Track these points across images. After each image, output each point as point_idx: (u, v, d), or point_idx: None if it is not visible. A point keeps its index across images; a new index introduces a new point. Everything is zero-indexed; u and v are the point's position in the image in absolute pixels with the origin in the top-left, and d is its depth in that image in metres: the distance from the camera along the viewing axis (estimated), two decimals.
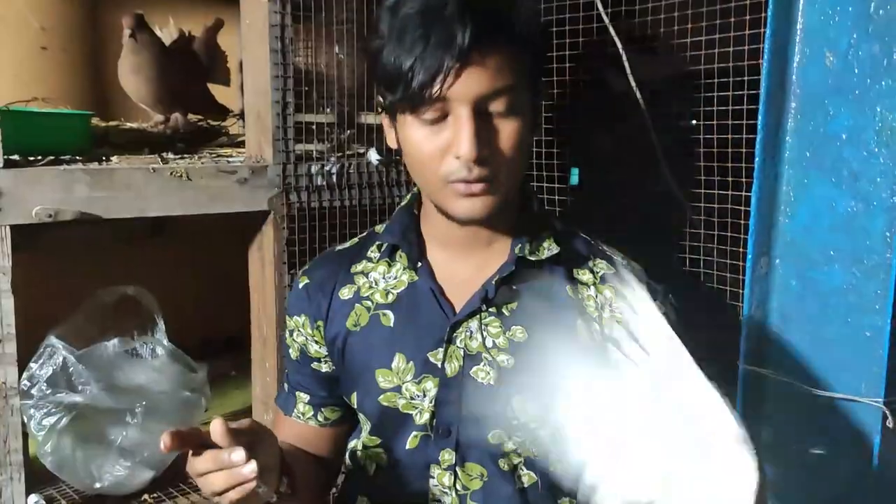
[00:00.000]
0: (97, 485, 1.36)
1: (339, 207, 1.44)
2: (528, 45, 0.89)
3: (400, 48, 0.85)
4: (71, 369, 1.36)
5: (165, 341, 1.48)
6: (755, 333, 0.99)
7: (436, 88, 0.83)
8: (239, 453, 0.74)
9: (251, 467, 0.73)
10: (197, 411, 1.47)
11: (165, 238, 1.94)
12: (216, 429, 0.72)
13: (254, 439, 0.77)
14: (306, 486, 0.97)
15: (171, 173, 1.26)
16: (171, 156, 1.42)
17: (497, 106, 0.86)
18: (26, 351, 1.18)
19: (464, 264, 0.98)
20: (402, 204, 1.05)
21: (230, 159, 1.43)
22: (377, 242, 1.03)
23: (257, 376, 1.51)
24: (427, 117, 0.87)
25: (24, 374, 1.33)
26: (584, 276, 0.98)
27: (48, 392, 1.33)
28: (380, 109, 0.98)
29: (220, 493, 0.76)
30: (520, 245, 0.95)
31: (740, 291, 1.09)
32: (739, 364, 1.00)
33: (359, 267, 1.03)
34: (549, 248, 0.96)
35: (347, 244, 1.08)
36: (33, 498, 1.32)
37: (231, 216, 1.35)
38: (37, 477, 1.37)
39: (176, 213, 1.28)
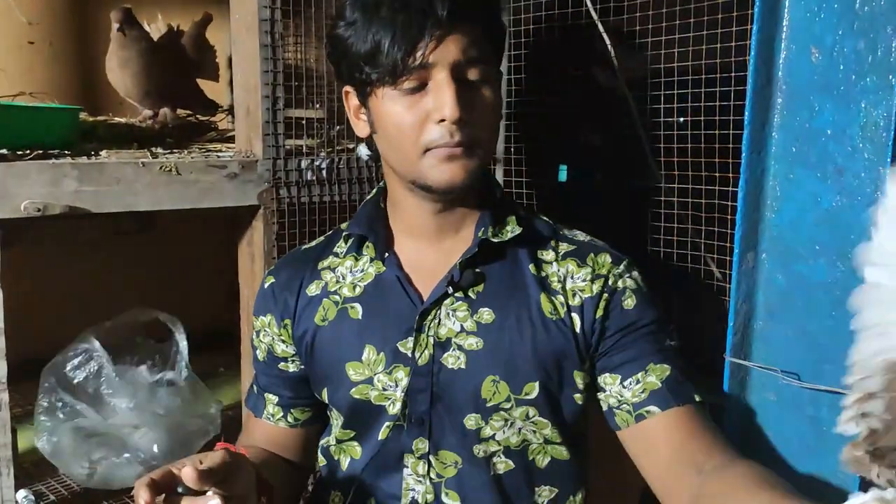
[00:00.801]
0: (88, 475, 1.36)
1: (328, 203, 1.44)
2: (495, 22, 0.95)
3: (378, 23, 0.89)
4: (101, 383, 1.37)
5: (189, 370, 1.49)
6: (742, 327, 1.00)
7: (418, 54, 0.87)
8: (214, 502, 0.74)
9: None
10: (203, 439, 1.48)
11: (155, 233, 1.93)
12: (189, 475, 0.72)
13: (227, 472, 0.76)
14: (283, 495, 0.98)
15: (161, 168, 1.26)
16: (160, 150, 1.41)
17: (473, 74, 0.91)
18: (13, 346, 1.18)
19: (431, 253, 0.99)
20: (368, 198, 1.06)
21: (220, 154, 1.43)
22: (344, 235, 1.04)
23: (246, 372, 1.51)
24: (407, 87, 0.90)
25: (48, 367, 1.33)
26: (548, 255, 1.00)
27: (70, 399, 1.34)
28: (350, 95, 0.99)
29: None
30: (483, 228, 0.96)
31: (727, 286, 1.10)
32: (726, 357, 1.01)
33: (325, 263, 1.04)
34: (512, 230, 0.98)
35: (313, 243, 1.09)
36: (22, 493, 1.31)
37: (221, 211, 1.35)
38: (25, 472, 1.36)
39: (165, 208, 1.28)
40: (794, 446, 0.97)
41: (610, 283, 0.97)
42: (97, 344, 1.39)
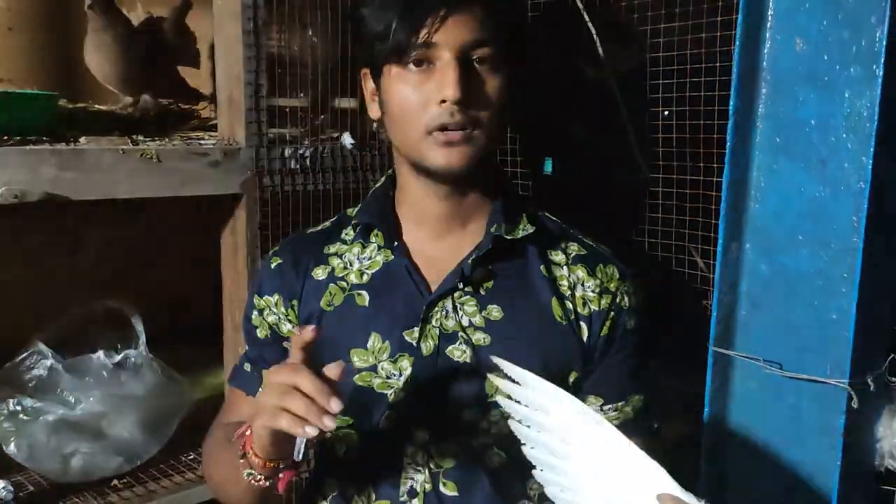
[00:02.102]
0: (64, 470, 1.34)
1: (312, 191, 1.43)
2: (506, 5, 0.95)
3: (391, 2, 0.89)
4: (58, 378, 1.36)
5: (147, 353, 1.47)
6: (725, 316, 1.00)
7: (423, 32, 0.88)
8: (336, 402, 0.77)
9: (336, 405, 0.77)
10: (177, 416, 1.47)
11: (136, 222, 1.91)
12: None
13: None
14: None
15: (142, 155, 1.24)
16: (141, 138, 1.40)
17: (480, 57, 0.91)
18: None
19: (440, 244, 0.99)
20: (377, 185, 1.06)
21: (202, 142, 1.42)
22: (352, 223, 1.04)
23: (229, 361, 1.50)
24: (413, 66, 0.91)
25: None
26: (557, 256, 1.00)
27: (30, 402, 1.32)
28: (366, 77, 1.00)
29: (290, 416, 0.77)
30: (496, 224, 0.97)
31: (711, 276, 1.10)
32: (709, 346, 1.01)
33: (332, 248, 1.03)
34: (525, 229, 0.98)
35: (318, 227, 1.09)
36: (0, 483, 1.30)
37: (202, 199, 1.34)
38: (3, 463, 1.35)
39: (146, 196, 1.26)
40: (776, 435, 0.98)
41: (617, 300, 0.99)
42: (42, 346, 1.38)
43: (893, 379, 0.93)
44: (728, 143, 0.96)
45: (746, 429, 1.01)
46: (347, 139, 1.48)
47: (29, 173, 1.14)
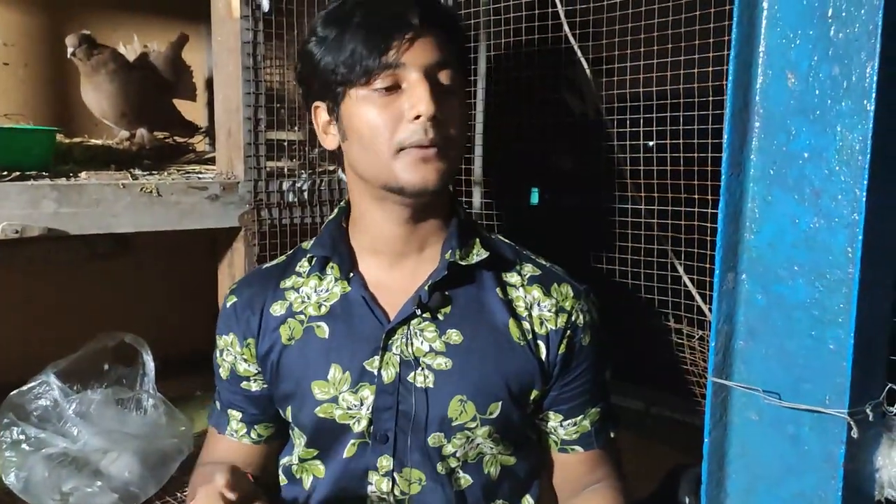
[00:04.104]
0: None
1: (310, 224, 1.44)
2: (459, 32, 1.00)
3: (351, 31, 0.92)
4: (62, 410, 1.35)
5: (155, 392, 1.47)
6: (723, 347, 1.01)
7: (391, 52, 0.89)
8: None
9: None
10: (178, 458, 1.46)
11: (133, 256, 1.91)
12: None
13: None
14: None
15: (141, 189, 1.25)
16: (139, 172, 1.40)
17: (444, 78, 0.94)
18: None
19: (396, 272, 1.00)
20: (330, 217, 1.07)
21: (200, 176, 1.43)
22: (307, 256, 1.05)
23: None
24: (380, 85, 0.92)
25: (4, 405, 1.31)
26: (513, 278, 1.02)
27: (34, 431, 1.31)
28: (319, 110, 1.00)
29: None
30: (450, 251, 0.98)
31: (708, 307, 1.11)
32: (708, 377, 1.02)
33: (288, 283, 1.04)
34: (479, 254, 1.00)
35: (274, 262, 1.10)
36: None
37: (200, 233, 1.34)
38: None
39: (146, 230, 1.27)
40: (775, 465, 0.98)
41: (572, 318, 1.01)
42: (53, 378, 1.37)
43: (891, 409, 0.94)
44: (723, 175, 0.98)
45: (746, 458, 1.01)
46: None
47: (29, 208, 1.15)
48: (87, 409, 1.39)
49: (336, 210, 1.07)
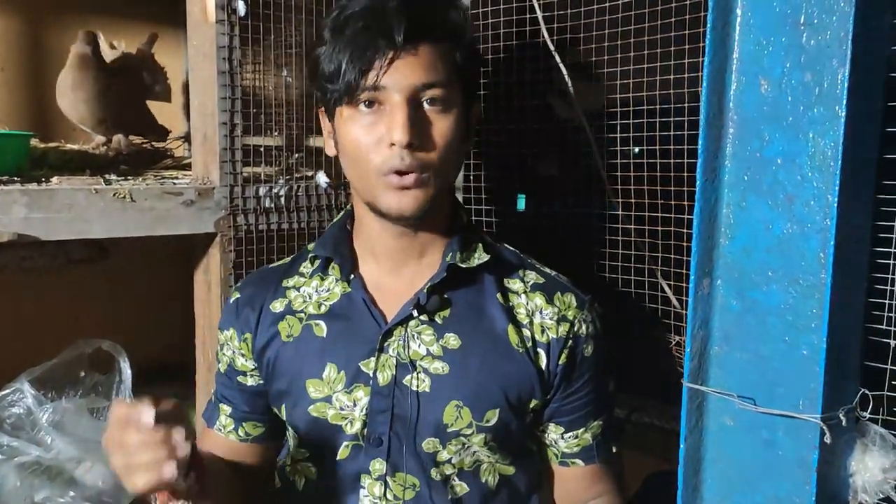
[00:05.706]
0: None
1: (287, 230, 1.43)
2: (460, 43, 0.95)
3: (341, 43, 0.90)
4: (36, 419, 1.33)
5: (131, 399, 1.45)
6: (698, 352, 1.01)
7: (371, 75, 0.88)
8: (180, 432, 0.75)
9: (180, 436, 0.74)
10: None
11: (107, 262, 1.89)
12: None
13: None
14: (218, 487, 0.96)
15: (115, 194, 1.23)
16: (114, 177, 1.39)
17: (430, 99, 0.91)
18: None
19: (397, 277, 1.00)
20: (335, 220, 1.07)
21: (176, 181, 1.41)
22: (310, 256, 1.05)
23: (201, 402, 1.48)
24: (363, 108, 0.91)
25: None
26: (515, 284, 1.01)
27: (6, 439, 1.29)
28: (323, 115, 1.01)
29: (140, 466, 0.76)
30: (451, 253, 0.98)
31: (684, 312, 1.11)
32: (683, 382, 1.02)
33: (290, 282, 1.04)
34: (480, 257, 0.99)
35: (280, 262, 1.10)
36: None
37: (178, 239, 1.33)
38: None
39: (119, 235, 1.25)
40: (750, 470, 0.98)
41: (575, 328, 1.00)
42: (27, 385, 1.35)
43: (865, 414, 0.94)
44: (698, 181, 0.98)
45: (721, 464, 1.01)
46: (322, 178, 1.48)
47: None
48: (60, 418, 1.37)
49: (342, 213, 1.08)
